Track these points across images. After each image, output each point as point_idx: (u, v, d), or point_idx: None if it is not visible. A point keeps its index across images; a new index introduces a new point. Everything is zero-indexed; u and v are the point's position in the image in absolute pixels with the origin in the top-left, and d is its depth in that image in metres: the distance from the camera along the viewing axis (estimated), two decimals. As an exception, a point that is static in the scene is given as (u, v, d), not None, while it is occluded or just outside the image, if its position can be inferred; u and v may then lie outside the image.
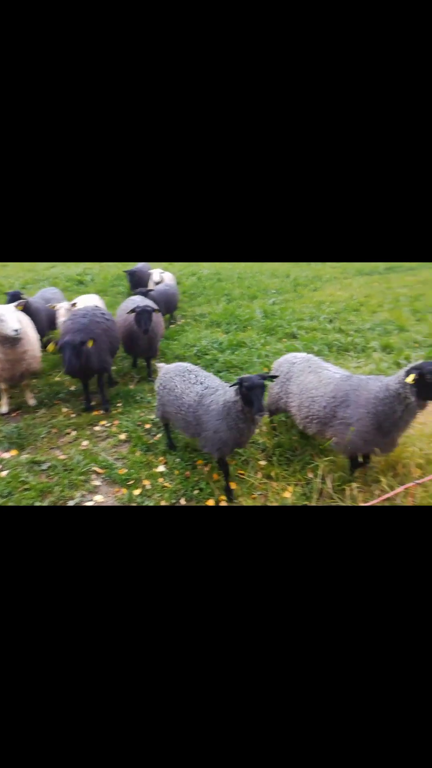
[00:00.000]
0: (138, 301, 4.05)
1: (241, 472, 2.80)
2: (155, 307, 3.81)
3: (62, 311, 4.02)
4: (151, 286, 5.63)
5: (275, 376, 2.58)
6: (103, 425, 3.41)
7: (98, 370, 3.47)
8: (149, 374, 4.25)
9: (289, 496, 2.54)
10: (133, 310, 3.67)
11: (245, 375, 2.36)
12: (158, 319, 4.06)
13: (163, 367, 2.92)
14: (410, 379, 2.00)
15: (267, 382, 2.30)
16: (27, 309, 3.82)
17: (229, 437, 2.39)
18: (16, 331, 3.03)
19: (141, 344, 3.90)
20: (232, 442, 2.43)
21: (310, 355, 2.84)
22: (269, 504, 2.51)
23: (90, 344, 3.17)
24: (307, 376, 2.64)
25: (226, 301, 6.79)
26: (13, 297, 4.29)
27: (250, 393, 2.15)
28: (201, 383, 2.59)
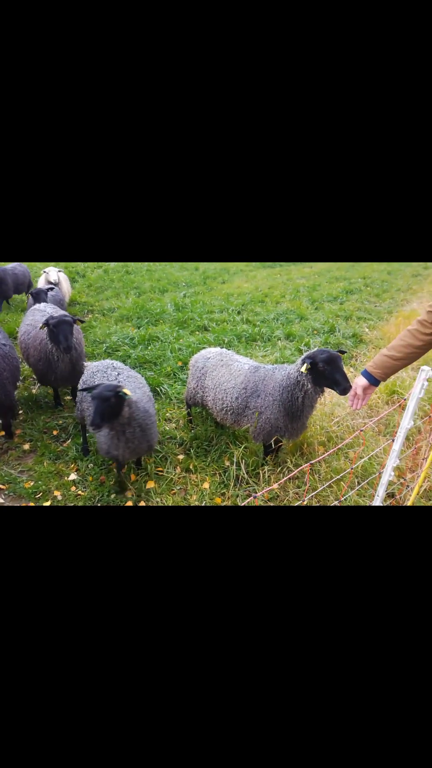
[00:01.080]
0: (48, 310, 3.28)
1: (160, 469, 2.77)
2: (75, 316, 2.95)
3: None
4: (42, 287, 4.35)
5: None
6: (1, 435, 3.07)
7: (5, 410, 2.79)
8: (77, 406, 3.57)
9: (207, 486, 2.60)
10: (46, 323, 2.78)
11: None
12: (79, 333, 3.14)
13: (88, 365, 2.68)
14: (304, 368, 2.17)
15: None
16: None
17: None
18: None
19: (61, 368, 2.93)
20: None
21: (223, 350, 2.92)
22: (188, 496, 2.54)
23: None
24: (220, 370, 2.71)
25: (135, 295, 6.60)
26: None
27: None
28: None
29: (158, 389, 3.70)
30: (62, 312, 2.95)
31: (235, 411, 2.57)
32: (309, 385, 2.24)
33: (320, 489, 1.77)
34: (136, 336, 4.81)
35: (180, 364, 4.20)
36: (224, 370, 2.69)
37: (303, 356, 2.25)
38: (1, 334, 3.02)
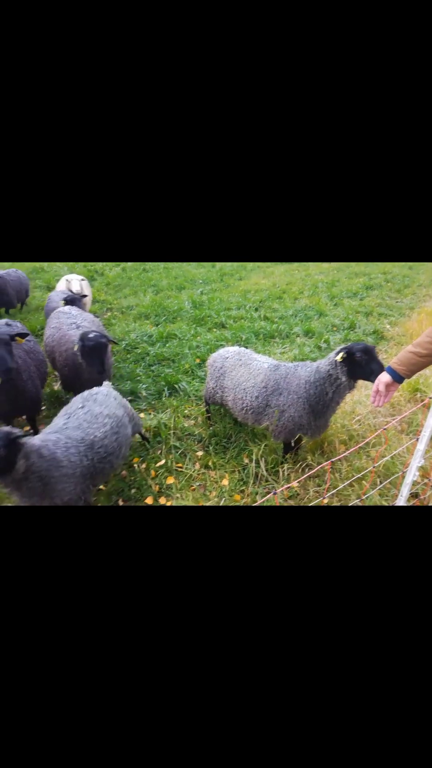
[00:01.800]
0: (73, 312, 3.17)
1: (179, 465, 2.80)
2: (110, 337, 2.85)
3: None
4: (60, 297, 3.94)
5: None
6: (27, 430, 3.15)
7: (33, 405, 2.73)
8: None
9: (226, 483, 2.61)
10: (81, 342, 2.64)
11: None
12: (109, 352, 3.03)
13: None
14: (340, 357, 2.15)
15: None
16: None
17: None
18: None
19: (87, 377, 2.83)
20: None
21: (241, 348, 2.91)
22: (207, 492, 2.55)
23: (20, 341, 2.49)
24: (239, 370, 2.70)
25: (153, 292, 6.65)
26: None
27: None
28: None
29: (177, 386, 3.73)
30: (97, 331, 2.73)
31: (256, 410, 2.57)
32: (343, 378, 2.21)
33: (341, 487, 1.75)
34: (154, 333, 4.84)
35: (198, 361, 4.22)
36: (243, 370, 2.69)
37: (337, 349, 2.23)
38: (18, 324, 3.01)
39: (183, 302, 5.99)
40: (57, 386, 3.70)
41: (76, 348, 2.71)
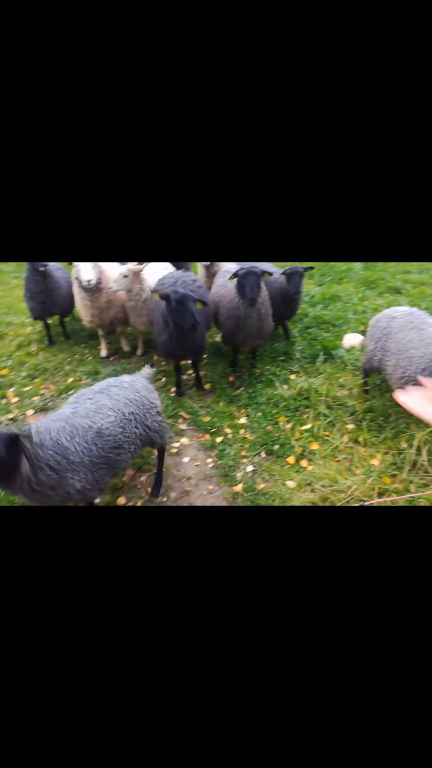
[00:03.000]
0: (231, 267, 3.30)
1: (326, 433, 2.70)
2: (264, 269, 2.84)
3: (86, 266, 3.23)
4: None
5: None
6: (189, 374, 3.54)
7: (198, 350, 3.04)
8: (253, 360, 3.49)
9: (377, 463, 2.39)
10: (235, 275, 2.80)
11: None
12: (266, 293, 3.10)
13: None
14: None
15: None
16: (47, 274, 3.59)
17: None
18: (89, 282, 3.21)
19: (249, 326, 2.96)
20: None
21: (414, 309, 2.50)
22: (353, 468, 2.40)
23: (198, 305, 2.68)
24: (408, 333, 2.35)
25: (321, 251, 6.25)
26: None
27: None
28: None
29: (333, 353, 3.52)
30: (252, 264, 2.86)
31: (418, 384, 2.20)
32: None
33: None
34: (316, 294, 4.61)
35: (362, 328, 3.85)
36: (413, 335, 2.32)
37: None
38: (196, 278, 3.25)
39: (353, 262, 5.46)
40: (218, 338, 3.98)
41: (230, 278, 2.90)
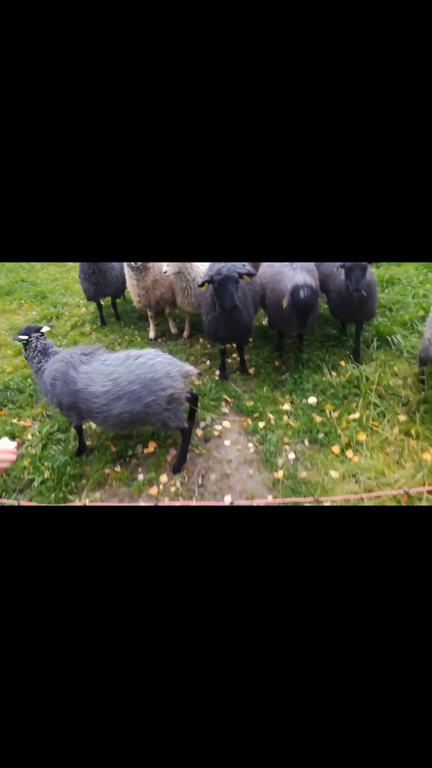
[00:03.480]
0: (296, 264, 3.03)
1: (375, 424, 2.56)
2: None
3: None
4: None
5: None
6: (234, 357, 3.52)
7: (243, 333, 3.03)
8: (300, 345, 3.37)
9: (429, 458, 2.24)
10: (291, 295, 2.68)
11: None
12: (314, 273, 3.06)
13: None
14: None
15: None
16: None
17: None
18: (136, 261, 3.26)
19: (292, 318, 2.84)
20: None
21: None
22: (402, 461, 2.27)
23: (247, 279, 2.73)
24: None
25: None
26: None
27: None
28: None
29: (389, 338, 3.30)
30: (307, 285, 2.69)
31: None
32: None
33: None
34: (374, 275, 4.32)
35: (422, 313, 3.56)
36: None
37: None
38: (244, 264, 3.21)
39: (417, 241, 5.03)
40: (265, 321, 3.90)
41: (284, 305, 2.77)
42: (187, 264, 3.33)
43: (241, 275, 2.64)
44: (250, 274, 2.71)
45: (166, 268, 3.26)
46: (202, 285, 2.76)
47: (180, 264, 3.28)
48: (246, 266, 3.12)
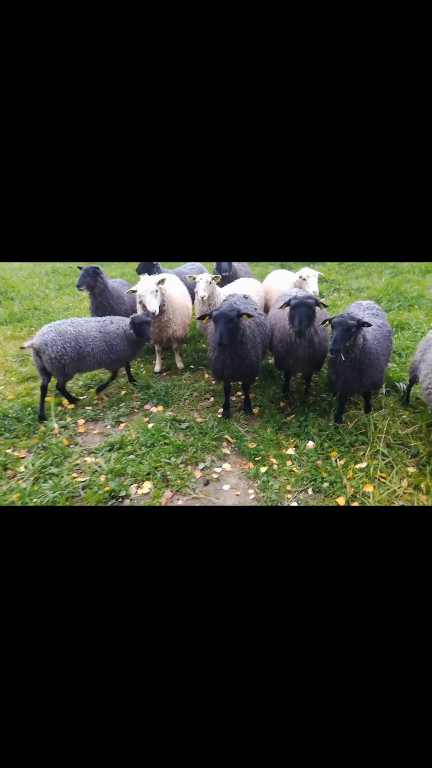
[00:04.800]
0: (293, 291, 3.11)
1: (383, 474, 2.43)
2: (319, 300, 2.72)
3: (203, 284, 3.31)
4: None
5: None
6: (238, 396, 3.45)
7: (250, 373, 2.92)
8: (307, 386, 3.33)
9: (442, 518, 2.08)
10: (287, 304, 2.69)
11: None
12: (323, 314, 2.98)
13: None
14: None
15: None
16: (103, 294, 3.67)
17: None
18: (154, 313, 3.29)
19: (299, 353, 2.85)
20: None
21: None
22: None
23: (247, 319, 2.70)
24: None
25: (390, 275, 5.91)
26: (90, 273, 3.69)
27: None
28: None
29: (397, 385, 3.22)
30: (307, 293, 2.78)
31: None
32: None
33: None
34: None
35: (432, 360, 3.49)
36: None
37: None
38: (256, 305, 3.25)
39: (426, 289, 5.06)
40: (271, 360, 3.86)
41: (282, 306, 2.82)
42: (217, 290, 3.40)
43: (240, 314, 2.61)
44: (249, 315, 2.67)
45: (203, 292, 3.29)
46: (202, 318, 2.76)
47: (213, 286, 3.34)
48: (248, 300, 3.13)
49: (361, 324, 2.44)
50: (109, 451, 2.83)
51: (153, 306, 3.30)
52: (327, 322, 2.60)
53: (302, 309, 2.61)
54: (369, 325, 2.45)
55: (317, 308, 2.70)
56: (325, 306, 2.78)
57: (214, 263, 4.18)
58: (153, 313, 3.31)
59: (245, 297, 3.21)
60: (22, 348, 3.14)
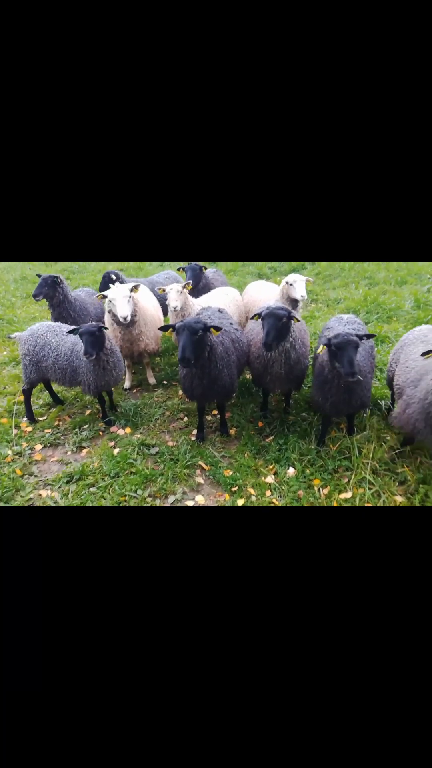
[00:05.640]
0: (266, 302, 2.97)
1: (370, 504, 2.23)
2: (292, 312, 2.46)
3: (173, 293, 3.09)
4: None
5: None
6: (214, 414, 3.21)
7: (223, 394, 2.67)
8: (286, 405, 3.12)
9: None
10: (259, 315, 2.45)
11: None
12: (304, 333, 2.80)
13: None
14: None
15: None
16: (62, 306, 3.40)
17: None
18: (125, 318, 2.95)
19: (276, 370, 2.61)
20: None
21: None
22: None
23: (215, 333, 2.46)
24: (417, 347, 2.36)
25: (367, 286, 5.85)
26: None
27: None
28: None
29: (380, 402, 3.06)
30: (279, 305, 2.48)
31: (401, 389, 2.28)
32: None
33: None
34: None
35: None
36: (422, 348, 2.29)
37: None
38: (232, 320, 3.02)
39: (403, 300, 5.01)
40: (248, 376, 3.64)
41: (253, 316, 2.62)
42: (190, 300, 3.19)
43: (207, 327, 2.37)
44: (217, 328, 2.43)
45: (175, 303, 3.04)
46: (165, 329, 2.51)
47: (184, 296, 3.12)
48: (223, 313, 2.91)
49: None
50: (68, 482, 2.51)
51: (125, 310, 2.92)
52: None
53: (270, 320, 2.35)
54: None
55: (292, 322, 2.48)
56: (299, 320, 2.55)
57: (187, 272, 3.93)
58: (124, 319, 2.94)
59: (220, 311, 2.98)
60: (9, 337, 3.07)
